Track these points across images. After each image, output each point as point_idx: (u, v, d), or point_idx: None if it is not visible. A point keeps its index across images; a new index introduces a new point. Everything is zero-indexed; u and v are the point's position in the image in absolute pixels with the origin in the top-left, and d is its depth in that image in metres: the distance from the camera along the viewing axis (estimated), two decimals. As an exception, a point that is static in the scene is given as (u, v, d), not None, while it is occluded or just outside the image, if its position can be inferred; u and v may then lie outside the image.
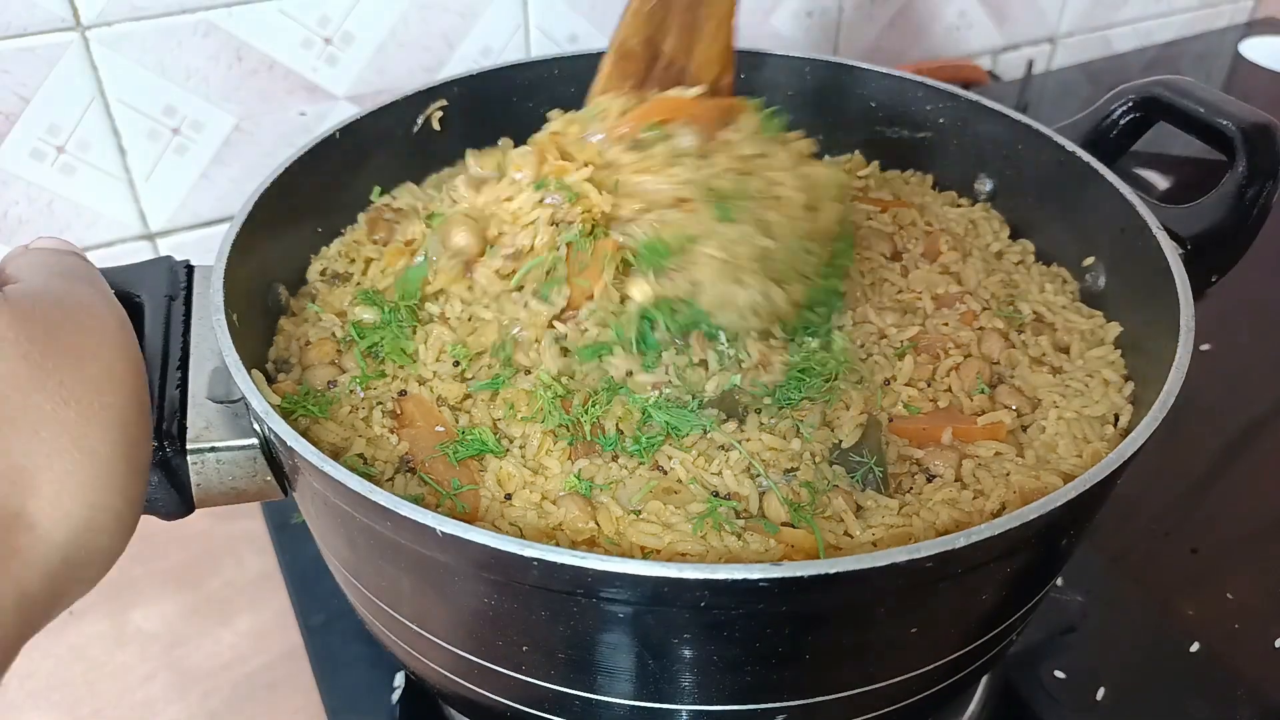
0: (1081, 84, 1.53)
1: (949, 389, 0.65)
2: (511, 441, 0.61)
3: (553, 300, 0.64)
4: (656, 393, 0.62)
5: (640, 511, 0.56)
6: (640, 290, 0.63)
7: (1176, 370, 0.56)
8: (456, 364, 0.65)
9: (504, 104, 0.86)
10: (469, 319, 0.67)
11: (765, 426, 0.61)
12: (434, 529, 0.46)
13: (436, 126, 0.83)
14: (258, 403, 0.53)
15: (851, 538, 0.55)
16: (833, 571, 0.45)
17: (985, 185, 0.83)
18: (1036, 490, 0.57)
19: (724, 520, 0.54)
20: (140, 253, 0.98)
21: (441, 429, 0.61)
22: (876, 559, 0.45)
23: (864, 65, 0.86)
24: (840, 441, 0.61)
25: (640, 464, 0.59)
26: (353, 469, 0.50)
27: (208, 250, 0.65)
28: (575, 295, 0.64)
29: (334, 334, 0.69)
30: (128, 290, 0.63)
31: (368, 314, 0.68)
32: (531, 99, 0.87)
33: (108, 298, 0.48)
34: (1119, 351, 0.68)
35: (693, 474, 0.58)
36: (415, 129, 0.83)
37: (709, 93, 0.71)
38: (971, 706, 0.78)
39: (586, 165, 0.66)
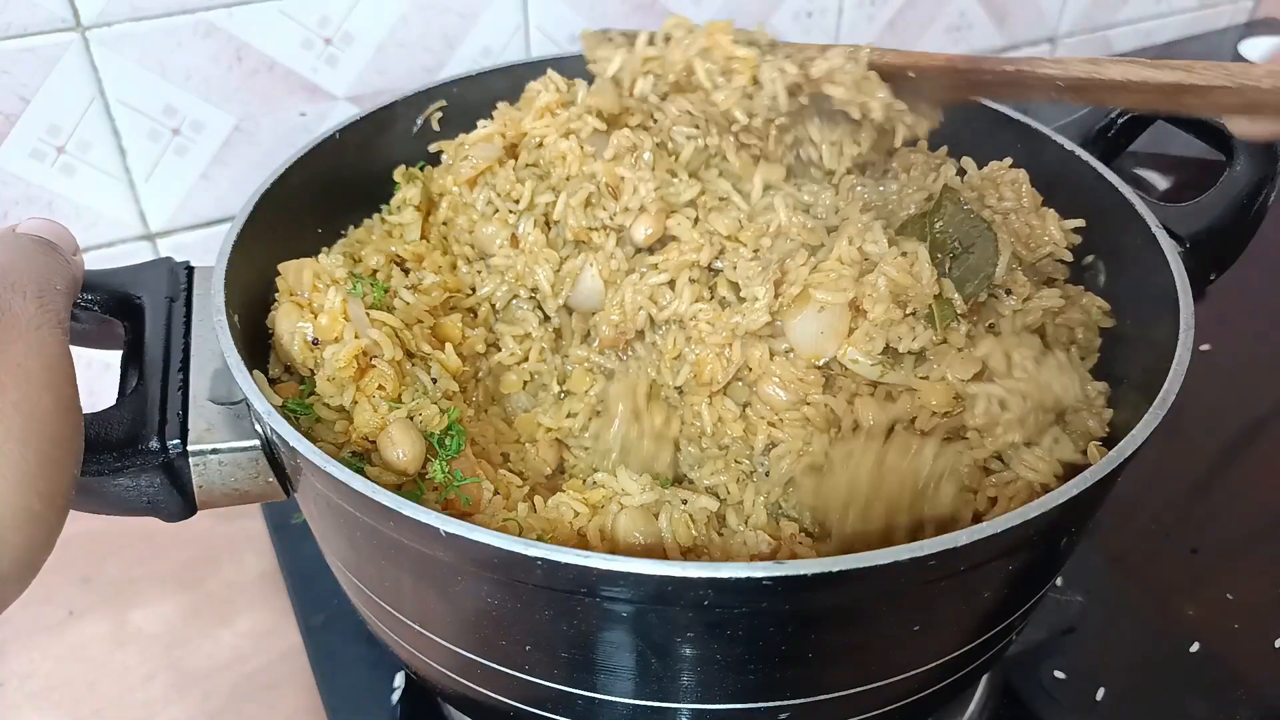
0: (1080, 84, 1.52)
1: None
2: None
3: None
4: None
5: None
6: None
7: (1176, 370, 0.56)
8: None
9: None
10: None
11: None
12: (437, 529, 0.46)
13: (436, 127, 0.83)
14: (259, 404, 0.53)
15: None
16: (835, 570, 0.45)
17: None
18: None
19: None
20: (140, 253, 0.98)
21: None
22: (879, 557, 0.45)
23: (864, 65, 0.86)
24: None
25: None
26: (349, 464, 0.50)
27: (208, 250, 0.65)
28: None
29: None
30: (128, 291, 0.63)
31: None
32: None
33: (34, 296, 0.46)
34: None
35: None
36: (415, 129, 0.83)
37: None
38: (971, 706, 0.78)
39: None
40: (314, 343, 0.61)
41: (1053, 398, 0.60)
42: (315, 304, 0.63)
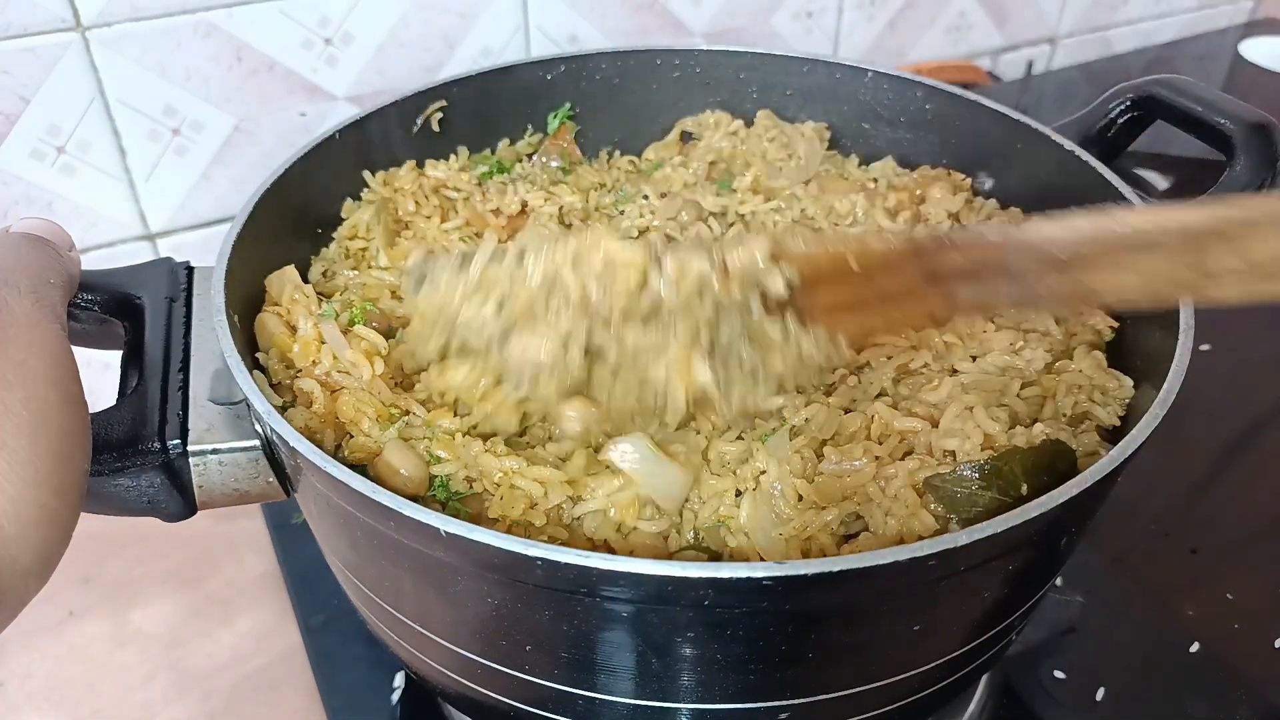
0: (1081, 84, 1.53)
1: None
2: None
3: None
4: None
5: None
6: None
7: (1176, 370, 0.56)
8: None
9: (504, 104, 0.86)
10: None
11: None
12: (437, 529, 0.46)
13: (436, 127, 0.83)
14: (260, 404, 0.53)
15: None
16: (836, 570, 0.45)
17: (985, 184, 0.83)
18: None
19: None
20: (140, 253, 0.98)
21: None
22: (879, 557, 0.45)
23: (864, 65, 0.86)
24: None
25: None
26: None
27: (208, 251, 0.65)
28: None
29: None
30: (128, 292, 0.63)
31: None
32: (531, 99, 0.87)
33: (29, 292, 0.47)
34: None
35: None
36: (415, 129, 0.83)
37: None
38: (971, 706, 0.78)
39: None
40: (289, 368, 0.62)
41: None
42: (292, 317, 0.63)
